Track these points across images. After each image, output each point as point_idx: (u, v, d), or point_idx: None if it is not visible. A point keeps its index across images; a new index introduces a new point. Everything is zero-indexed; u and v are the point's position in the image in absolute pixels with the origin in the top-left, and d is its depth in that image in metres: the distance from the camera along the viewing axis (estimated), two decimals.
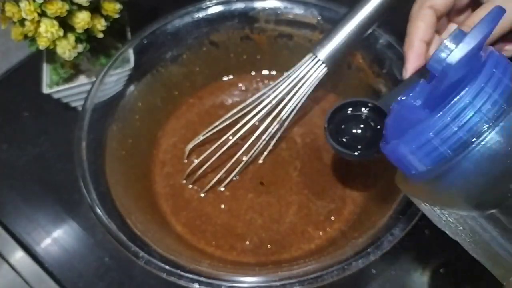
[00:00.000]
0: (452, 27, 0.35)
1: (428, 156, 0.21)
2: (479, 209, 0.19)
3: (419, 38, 0.32)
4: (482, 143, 0.20)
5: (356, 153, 0.34)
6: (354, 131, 0.36)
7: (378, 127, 0.35)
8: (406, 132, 0.22)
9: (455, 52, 0.20)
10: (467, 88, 0.20)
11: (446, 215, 0.21)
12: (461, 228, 0.21)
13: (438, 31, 0.34)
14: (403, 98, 0.25)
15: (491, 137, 0.20)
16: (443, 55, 0.21)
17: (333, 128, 0.35)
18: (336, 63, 0.39)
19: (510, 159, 0.19)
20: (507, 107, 0.20)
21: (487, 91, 0.20)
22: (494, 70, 0.20)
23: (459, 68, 0.20)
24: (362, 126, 0.36)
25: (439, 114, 0.21)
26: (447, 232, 0.23)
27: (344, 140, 0.35)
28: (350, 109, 0.36)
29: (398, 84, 0.34)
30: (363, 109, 0.36)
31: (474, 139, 0.20)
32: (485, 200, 0.19)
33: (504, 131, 0.19)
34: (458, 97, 0.20)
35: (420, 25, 0.32)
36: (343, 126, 0.36)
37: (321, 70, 0.39)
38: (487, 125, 0.20)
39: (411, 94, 0.24)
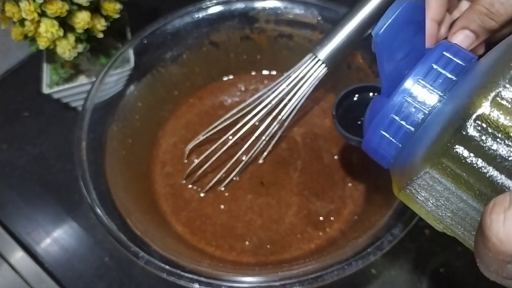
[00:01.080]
0: (464, 5, 0.34)
1: (396, 137, 0.23)
2: (430, 162, 0.20)
3: (430, 17, 0.31)
4: (434, 111, 0.22)
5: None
6: (362, 117, 0.36)
7: None
8: (372, 121, 0.24)
9: (378, 24, 0.22)
10: (417, 69, 0.22)
11: (422, 194, 0.22)
12: (434, 200, 0.21)
13: (448, 9, 0.33)
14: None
15: (441, 105, 0.22)
16: (375, 34, 0.22)
17: (341, 115, 0.35)
18: (336, 63, 0.39)
19: (451, 115, 0.20)
20: (458, 80, 0.22)
21: (437, 69, 0.22)
22: (444, 53, 0.22)
23: (388, 37, 0.22)
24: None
25: (396, 95, 0.23)
26: (441, 224, 0.23)
27: (352, 127, 0.35)
28: (357, 95, 0.36)
29: None
30: (371, 94, 0.35)
31: (429, 111, 0.22)
32: (433, 152, 0.20)
33: (451, 97, 0.21)
34: (409, 78, 0.22)
35: (431, 4, 0.31)
36: (351, 113, 0.35)
37: (321, 70, 0.39)
38: (439, 97, 0.22)
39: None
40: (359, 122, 0.35)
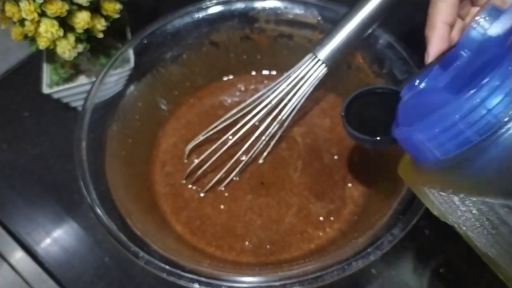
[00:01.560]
0: (476, 10, 0.33)
1: (452, 141, 0.21)
2: None
3: (442, 19, 0.30)
4: None
5: (377, 139, 0.32)
6: (372, 119, 0.34)
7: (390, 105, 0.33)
8: (426, 117, 0.21)
9: (494, 26, 0.19)
10: (496, 70, 0.20)
11: (468, 205, 0.20)
12: (483, 218, 0.20)
13: (460, 15, 0.33)
14: (418, 82, 0.24)
15: None
16: (478, 31, 0.20)
17: (351, 116, 0.34)
18: (336, 63, 0.39)
19: None
20: None
21: None
22: None
23: (497, 44, 0.19)
24: (380, 113, 0.34)
25: (467, 96, 0.20)
26: (458, 225, 0.22)
27: (362, 128, 0.34)
28: (368, 97, 0.35)
29: (420, 70, 0.33)
30: (381, 96, 0.34)
31: (505, 122, 0.19)
32: None
33: None
34: (487, 79, 0.19)
35: (442, 6, 0.30)
36: (361, 114, 0.34)
37: (321, 70, 0.39)
38: None
39: (426, 79, 0.23)
40: (368, 124, 0.34)
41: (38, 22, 0.39)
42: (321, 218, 0.41)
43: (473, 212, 0.20)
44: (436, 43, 0.31)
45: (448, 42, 0.31)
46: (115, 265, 0.42)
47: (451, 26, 0.31)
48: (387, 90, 0.34)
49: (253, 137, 0.41)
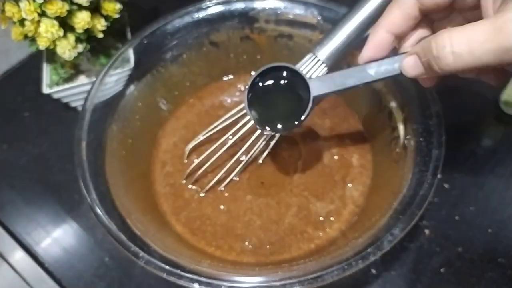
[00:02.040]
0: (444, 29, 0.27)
1: None
2: None
3: (386, 28, 0.28)
4: None
5: (278, 127, 0.33)
6: (276, 104, 0.34)
7: (299, 95, 0.33)
8: None
9: None
10: None
11: None
12: None
13: (433, 26, 0.30)
14: None
15: None
16: None
17: (257, 104, 0.34)
18: (336, 63, 0.39)
19: None
20: None
21: None
22: None
23: None
24: (284, 96, 0.34)
25: None
26: None
27: (268, 113, 0.34)
28: (272, 79, 0.34)
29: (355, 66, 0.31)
30: (284, 78, 0.34)
31: None
32: None
33: None
34: None
35: (394, 13, 0.27)
36: (265, 100, 0.34)
37: (321, 70, 0.39)
38: None
39: None
40: (273, 109, 0.34)
41: (38, 22, 0.39)
42: (321, 218, 0.41)
43: None
44: (370, 48, 0.29)
45: (386, 51, 0.29)
46: (115, 265, 0.42)
47: (400, 37, 0.28)
48: (290, 71, 0.33)
49: (253, 137, 0.41)
